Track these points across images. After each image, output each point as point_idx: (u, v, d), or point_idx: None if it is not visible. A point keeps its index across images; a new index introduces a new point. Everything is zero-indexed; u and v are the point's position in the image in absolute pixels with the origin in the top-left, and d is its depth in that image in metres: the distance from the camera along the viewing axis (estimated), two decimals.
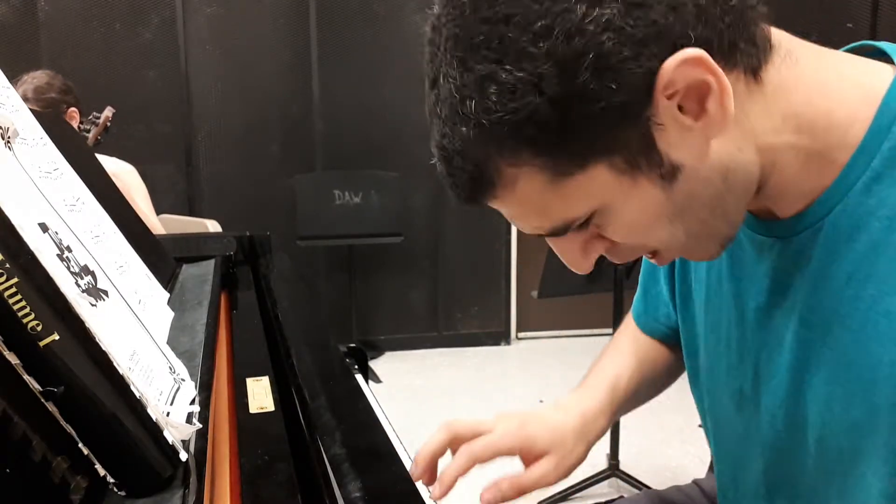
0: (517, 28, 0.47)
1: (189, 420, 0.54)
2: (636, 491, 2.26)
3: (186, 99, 3.58)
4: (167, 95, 3.55)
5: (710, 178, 0.52)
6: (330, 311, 3.86)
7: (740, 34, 0.51)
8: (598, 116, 0.48)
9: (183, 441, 0.52)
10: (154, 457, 0.48)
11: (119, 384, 0.48)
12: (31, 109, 0.72)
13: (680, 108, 0.50)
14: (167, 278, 0.94)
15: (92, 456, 0.46)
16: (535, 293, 2.27)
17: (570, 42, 0.46)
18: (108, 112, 2.22)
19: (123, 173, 2.13)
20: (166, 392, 0.55)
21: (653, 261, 0.61)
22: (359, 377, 1.14)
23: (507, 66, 0.47)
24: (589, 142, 0.49)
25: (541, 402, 3.10)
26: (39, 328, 0.44)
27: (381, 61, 3.57)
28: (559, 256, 0.59)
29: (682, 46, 0.47)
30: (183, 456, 0.51)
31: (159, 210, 2.46)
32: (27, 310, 0.43)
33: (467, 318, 4.08)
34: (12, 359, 0.43)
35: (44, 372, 0.44)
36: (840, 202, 0.54)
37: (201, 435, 0.56)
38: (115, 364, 0.48)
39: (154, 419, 0.50)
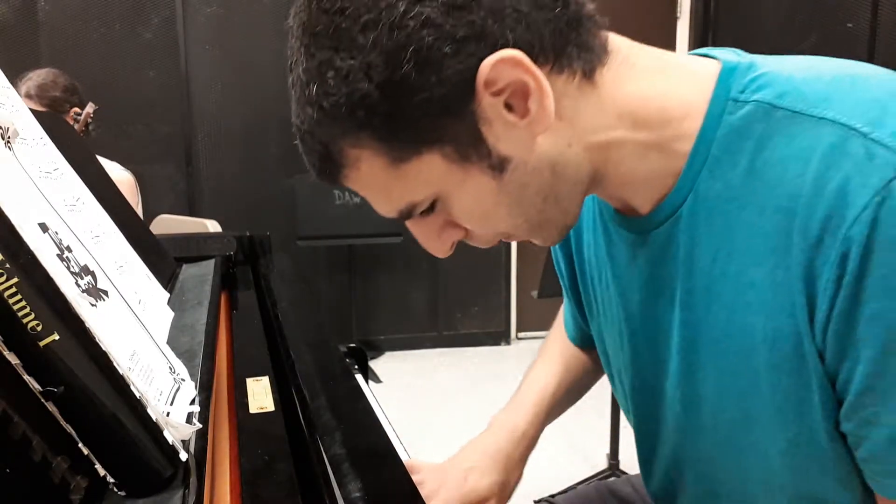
0: (349, 19, 0.51)
1: (189, 420, 0.54)
2: None
3: (186, 99, 3.58)
4: (167, 95, 3.55)
5: (538, 169, 0.56)
6: (330, 311, 3.86)
7: (570, 40, 0.55)
8: (423, 106, 0.51)
9: (183, 441, 0.52)
10: (154, 457, 0.48)
11: (119, 384, 0.48)
12: (31, 109, 0.72)
13: (509, 106, 0.53)
14: (167, 278, 0.94)
15: (92, 456, 0.46)
16: (535, 293, 2.27)
17: (393, 35, 0.50)
18: (90, 108, 2.19)
19: (118, 184, 2.11)
20: (166, 392, 0.55)
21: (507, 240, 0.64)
22: (359, 377, 1.14)
23: (342, 54, 0.51)
24: (418, 130, 0.53)
25: None
26: (39, 328, 0.44)
27: None
28: (420, 241, 0.63)
29: (502, 48, 0.51)
30: (183, 456, 0.51)
31: (159, 210, 2.46)
32: (27, 310, 0.43)
33: (467, 318, 4.08)
34: (12, 359, 0.43)
35: (44, 372, 0.44)
36: (691, 190, 0.59)
37: (201, 435, 0.56)
38: (115, 364, 0.48)
39: (154, 419, 0.50)
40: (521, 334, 4.15)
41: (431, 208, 0.58)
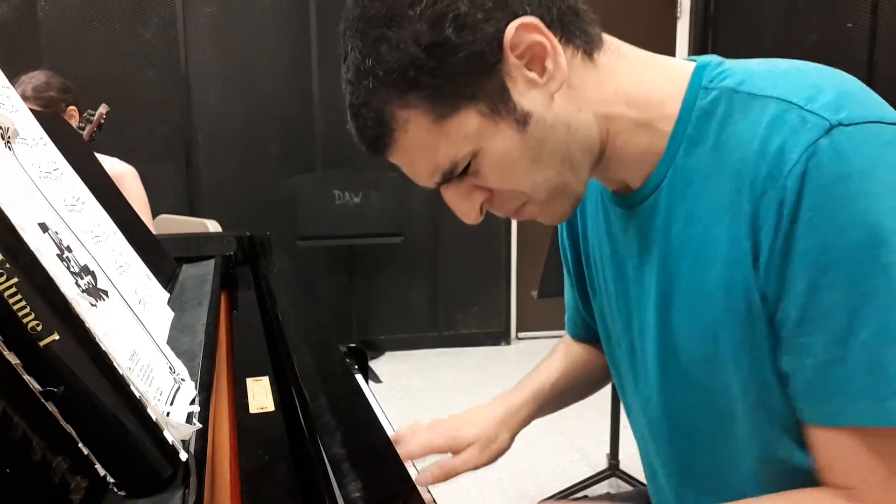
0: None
1: (189, 420, 0.54)
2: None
3: (186, 99, 3.58)
4: (167, 95, 3.55)
5: (555, 126, 0.65)
6: (330, 311, 3.86)
7: (573, 22, 0.66)
8: (462, 64, 0.62)
9: (183, 441, 0.52)
10: (154, 457, 0.48)
11: (119, 384, 0.48)
12: (31, 109, 0.72)
13: (529, 67, 0.64)
14: (167, 278, 0.94)
15: (92, 456, 0.46)
16: (535, 293, 2.27)
17: (435, 6, 0.61)
18: (103, 109, 2.21)
19: (121, 177, 2.11)
20: (166, 392, 0.55)
21: (514, 216, 0.72)
22: (359, 377, 1.14)
23: (394, 28, 0.62)
24: (457, 86, 0.62)
25: None
26: (39, 328, 0.44)
27: None
28: (452, 208, 0.71)
29: (522, 15, 0.63)
30: (183, 456, 0.51)
31: (159, 210, 2.46)
32: (27, 310, 0.43)
33: (467, 318, 4.08)
34: (12, 359, 0.43)
35: (44, 372, 0.44)
36: (671, 166, 0.68)
37: (201, 435, 0.56)
38: (115, 364, 0.48)
39: (154, 419, 0.50)
40: (521, 334, 4.15)
41: (466, 170, 0.66)
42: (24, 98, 2.06)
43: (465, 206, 0.70)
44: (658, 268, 0.72)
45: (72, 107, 2.14)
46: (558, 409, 1.03)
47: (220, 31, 3.59)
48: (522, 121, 0.64)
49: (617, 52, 0.69)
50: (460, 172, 0.67)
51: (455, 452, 0.93)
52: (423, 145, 0.65)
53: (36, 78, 2.09)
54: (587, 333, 1.01)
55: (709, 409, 0.72)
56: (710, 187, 0.66)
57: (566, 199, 0.70)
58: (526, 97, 0.64)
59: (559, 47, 0.64)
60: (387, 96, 0.63)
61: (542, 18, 0.63)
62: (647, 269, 0.74)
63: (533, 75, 0.64)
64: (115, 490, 0.48)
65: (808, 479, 0.66)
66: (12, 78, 1.96)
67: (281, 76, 3.69)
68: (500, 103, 0.64)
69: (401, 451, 0.89)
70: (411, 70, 0.62)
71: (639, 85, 0.69)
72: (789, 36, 3.46)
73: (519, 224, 4.04)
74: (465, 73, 0.62)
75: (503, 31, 0.62)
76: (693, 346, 0.70)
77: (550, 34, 0.63)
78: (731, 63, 0.69)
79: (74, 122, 2.15)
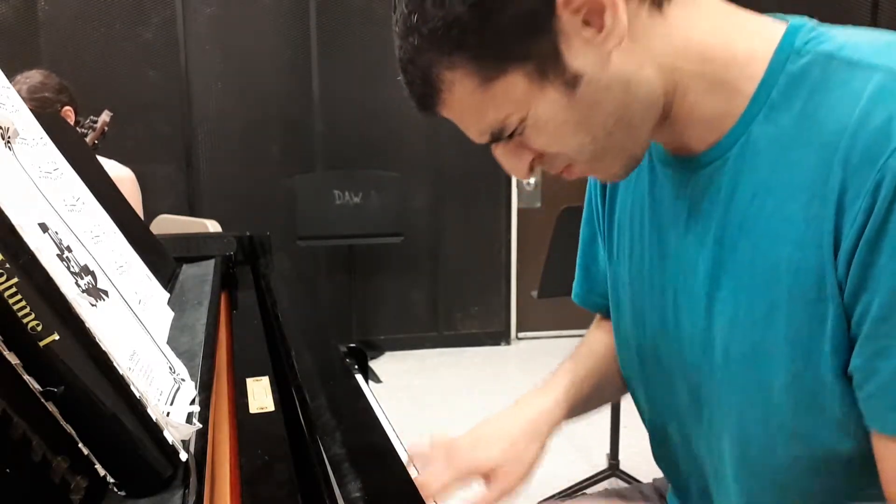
0: None
1: (189, 420, 0.54)
2: None
3: (186, 99, 3.58)
4: (167, 95, 3.55)
5: (611, 86, 0.60)
6: (330, 311, 3.86)
7: None
8: (509, 24, 0.57)
9: (183, 441, 0.52)
10: (154, 457, 0.48)
11: (119, 384, 0.48)
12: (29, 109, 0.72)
13: (586, 23, 0.58)
14: (167, 278, 0.94)
15: (92, 456, 0.46)
16: (535, 293, 2.27)
17: None
18: (106, 116, 2.21)
19: (119, 182, 2.10)
20: (166, 392, 0.55)
21: (564, 174, 0.68)
22: (359, 377, 1.14)
23: None
24: (504, 47, 0.58)
25: None
26: (39, 328, 0.44)
27: (381, 61, 3.57)
28: (502, 165, 0.67)
29: None
30: (183, 456, 0.51)
31: (159, 210, 2.46)
32: (27, 310, 0.43)
33: (467, 318, 4.08)
34: (12, 359, 0.43)
35: (44, 372, 0.44)
36: (743, 134, 0.63)
37: (201, 435, 0.56)
38: (115, 364, 0.48)
39: (154, 419, 0.50)
40: (521, 334, 4.15)
41: (513, 134, 0.62)
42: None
43: (515, 164, 0.67)
44: (713, 243, 0.66)
45: (67, 107, 2.13)
46: (593, 409, 0.94)
47: (220, 31, 3.59)
48: (572, 83, 0.59)
49: (692, 3, 0.62)
50: (510, 134, 0.63)
51: (484, 477, 0.82)
52: (470, 107, 0.62)
53: (32, 78, 2.08)
54: (607, 304, 0.92)
55: (742, 404, 0.67)
56: (788, 160, 0.60)
57: (618, 159, 0.66)
58: (579, 57, 0.58)
59: (618, 0, 0.57)
60: (431, 56, 0.59)
61: None
62: (695, 243, 0.68)
63: (588, 33, 0.58)
64: (115, 490, 0.48)
65: (854, 465, 0.62)
66: (9, 78, 1.96)
67: (281, 76, 3.69)
68: (549, 65, 0.58)
69: (423, 493, 0.80)
70: (455, 29, 0.57)
71: (718, 40, 0.62)
72: None
73: (519, 224, 4.04)
74: (514, 32, 0.57)
75: None
76: (737, 334, 0.65)
77: None
78: (827, 27, 0.63)
79: (71, 123, 2.14)
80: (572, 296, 0.99)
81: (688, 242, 0.70)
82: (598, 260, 0.92)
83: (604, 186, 0.85)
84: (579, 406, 0.90)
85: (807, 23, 0.63)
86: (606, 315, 0.93)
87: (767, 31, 0.63)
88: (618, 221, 0.82)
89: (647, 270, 0.76)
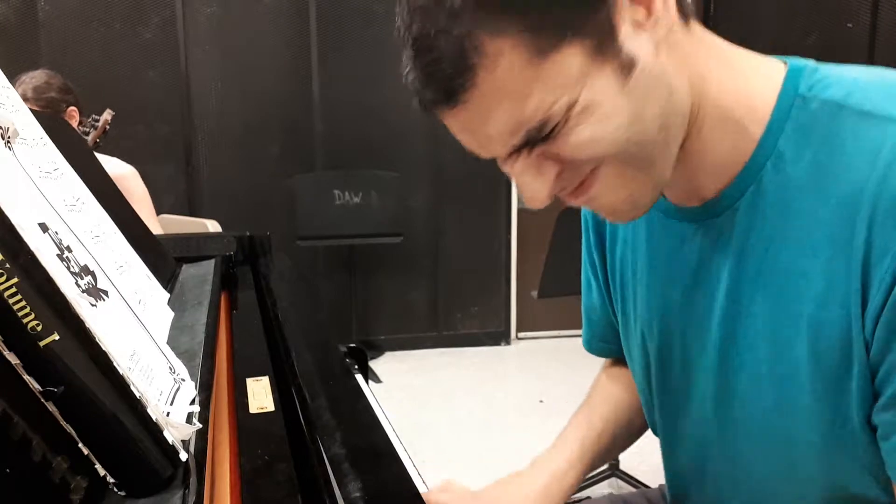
0: None
1: (189, 420, 0.54)
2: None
3: (186, 99, 3.58)
4: (167, 95, 3.55)
5: (660, 79, 0.55)
6: (330, 311, 3.87)
7: None
8: None
9: (183, 441, 0.52)
10: (154, 457, 0.48)
11: (119, 384, 0.48)
12: (30, 109, 0.72)
13: (636, 4, 0.54)
14: (167, 278, 0.94)
15: (92, 456, 0.46)
16: (535, 293, 2.27)
17: None
18: (108, 115, 2.21)
19: (123, 178, 2.11)
20: (166, 392, 0.55)
21: (579, 191, 0.59)
22: (359, 377, 1.14)
23: None
24: (565, 12, 0.51)
25: (541, 402, 3.10)
26: (39, 328, 0.44)
27: (381, 61, 3.57)
28: (518, 186, 0.59)
29: None
30: (183, 456, 0.51)
31: (159, 210, 2.45)
32: (27, 310, 0.43)
33: (467, 318, 4.08)
34: (12, 359, 0.43)
35: (44, 372, 0.44)
36: (753, 182, 0.60)
37: (201, 435, 0.56)
38: (115, 364, 0.48)
39: (154, 419, 0.50)
40: (521, 334, 4.15)
41: (535, 142, 0.55)
42: (25, 99, 2.06)
43: (537, 184, 0.57)
44: (725, 298, 0.63)
45: (72, 107, 2.14)
46: (607, 461, 0.92)
47: (220, 31, 3.59)
48: (627, 66, 0.53)
49: (706, 33, 0.60)
50: (529, 143, 0.55)
51: None
52: (512, 91, 0.52)
53: (36, 78, 2.08)
54: (617, 350, 0.89)
55: (769, 456, 0.65)
56: (803, 212, 0.57)
57: (650, 176, 0.58)
58: (631, 39, 0.53)
59: None
60: (475, 20, 0.50)
61: None
62: (706, 297, 0.65)
63: (640, 14, 0.54)
64: (115, 490, 0.48)
65: None
66: (12, 77, 1.96)
67: (281, 76, 3.69)
68: (605, 42, 0.52)
69: None
70: None
71: (728, 73, 0.59)
72: (789, 36, 3.46)
73: (519, 224, 4.04)
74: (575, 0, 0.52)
75: None
76: (760, 392, 0.62)
77: None
78: (828, 69, 0.60)
79: (75, 123, 2.15)
80: (584, 346, 0.95)
81: (697, 297, 0.67)
82: (598, 308, 0.90)
83: (601, 239, 0.81)
84: (597, 459, 0.87)
85: (807, 64, 0.60)
86: (615, 361, 0.93)
87: (767, 70, 0.61)
88: (619, 274, 0.79)
89: (654, 325, 0.74)
